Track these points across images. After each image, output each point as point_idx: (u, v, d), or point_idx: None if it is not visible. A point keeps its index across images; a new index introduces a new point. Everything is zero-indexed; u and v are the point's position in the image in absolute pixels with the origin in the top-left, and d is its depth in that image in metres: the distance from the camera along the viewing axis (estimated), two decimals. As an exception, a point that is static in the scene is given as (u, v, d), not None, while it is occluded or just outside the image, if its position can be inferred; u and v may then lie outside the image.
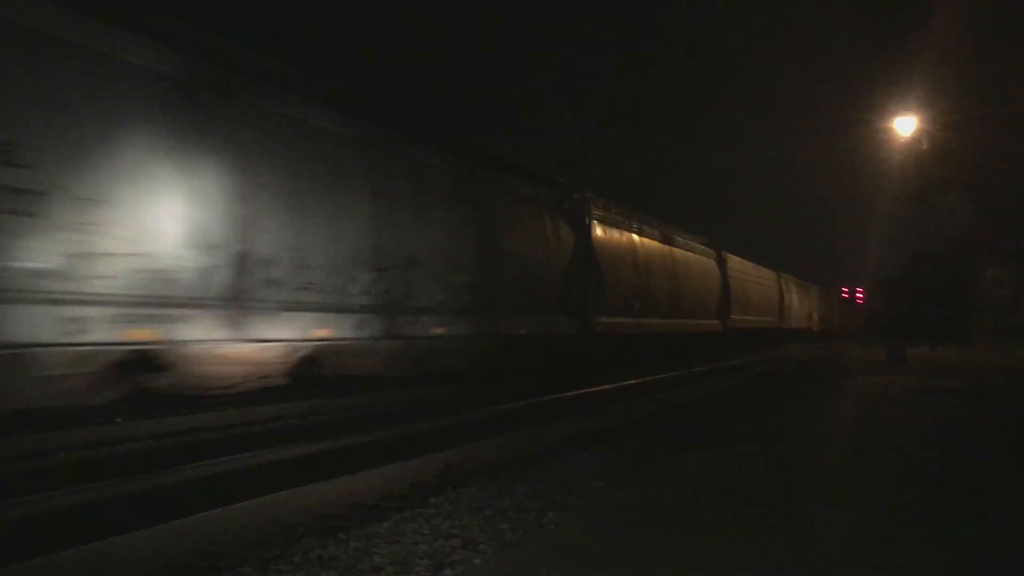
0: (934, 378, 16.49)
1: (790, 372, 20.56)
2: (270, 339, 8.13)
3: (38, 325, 6.04)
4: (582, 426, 9.51)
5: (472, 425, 9.13)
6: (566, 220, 15.34)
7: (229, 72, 7.89)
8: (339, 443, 7.18)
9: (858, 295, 67.48)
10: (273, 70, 8.69)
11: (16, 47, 5.87)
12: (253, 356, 8.07)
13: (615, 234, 17.74)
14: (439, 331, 10.78)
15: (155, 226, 6.94)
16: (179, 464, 6.12)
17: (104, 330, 6.50)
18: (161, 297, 6.97)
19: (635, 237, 19.10)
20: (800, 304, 43.90)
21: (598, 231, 16.62)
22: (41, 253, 6.01)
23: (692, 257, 23.86)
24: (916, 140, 19.79)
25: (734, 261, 28.52)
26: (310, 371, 8.91)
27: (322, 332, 8.76)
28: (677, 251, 22.34)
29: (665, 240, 21.51)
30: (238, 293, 7.73)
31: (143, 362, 7.01)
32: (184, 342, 7.22)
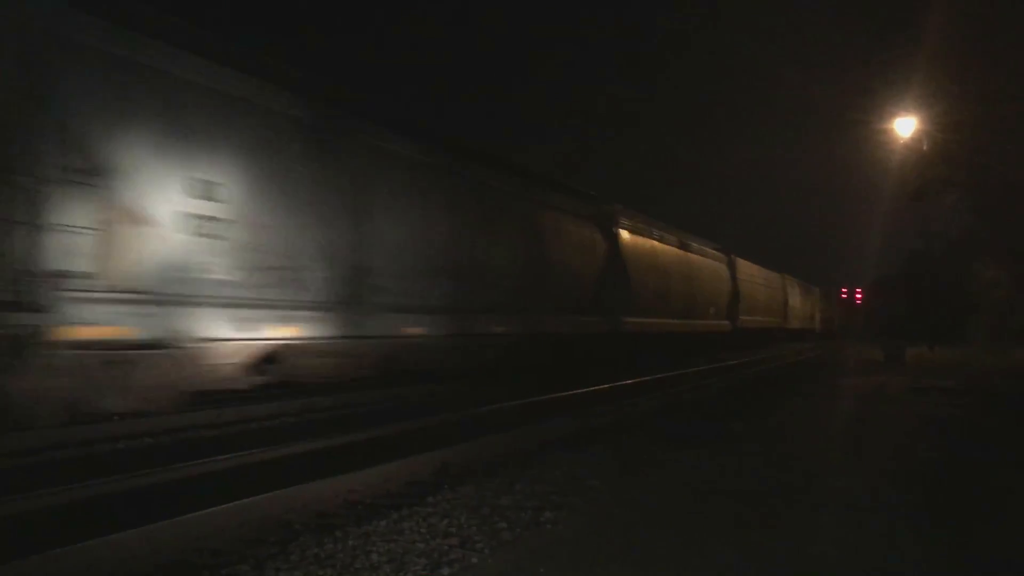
0: (932, 378, 16.53)
1: (791, 371, 21.13)
2: (373, 335, 9.73)
3: (218, 324, 7.64)
4: (584, 422, 9.48)
5: (471, 421, 9.06)
6: (599, 229, 16.96)
7: (348, 116, 9.51)
8: (335, 441, 7.21)
9: (857, 295, 68.75)
10: (379, 112, 10.31)
11: (216, 108, 7.49)
12: (357, 350, 9.67)
13: (639, 241, 19.35)
14: (500, 330, 12.39)
15: (297, 245, 8.55)
16: (176, 462, 6.23)
17: (263, 328, 8.11)
18: (300, 301, 8.58)
19: (656, 244, 20.72)
20: (803, 305, 45.58)
21: (625, 239, 18.23)
22: (226, 268, 7.62)
23: (705, 262, 25.48)
24: (915, 141, 19.96)
25: (743, 265, 30.14)
26: (398, 364, 10.52)
27: (413, 330, 10.37)
28: (692, 256, 23.96)
29: (682, 246, 23.13)
30: (354, 298, 9.34)
31: (284, 354, 8.61)
32: (313, 338, 8.83)
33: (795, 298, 42.60)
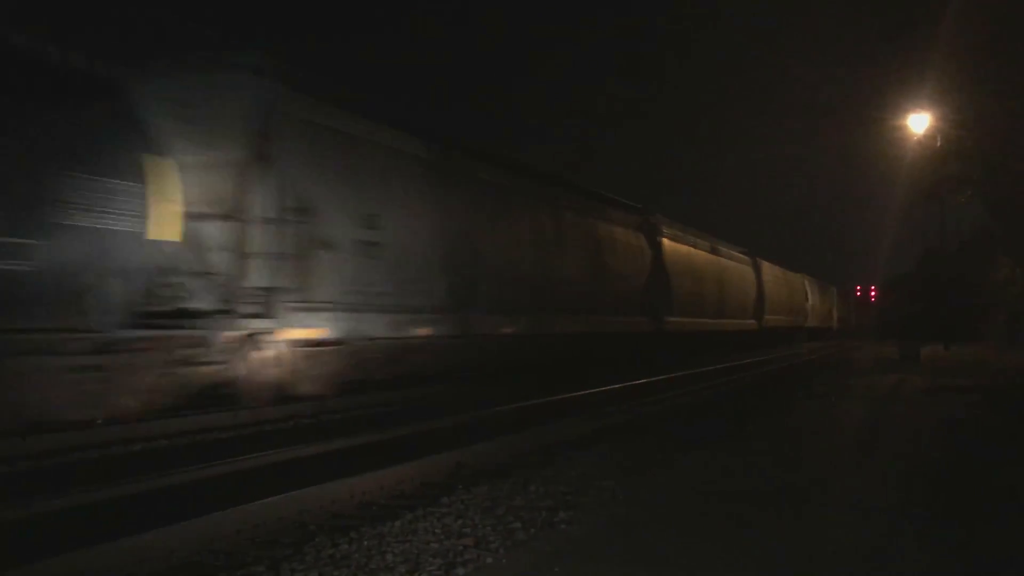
0: (947, 377, 16.59)
1: (811, 369, 22.06)
2: (479, 333, 11.78)
3: (376, 326, 9.69)
4: (611, 419, 10.02)
5: (485, 421, 9.40)
6: (645, 237, 18.97)
7: (460, 155, 11.59)
8: (351, 442, 7.41)
9: (871, 294, 70.09)
10: (477, 149, 12.39)
11: (378, 156, 9.58)
12: (467, 345, 11.71)
13: (678, 247, 21.34)
14: (571, 329, 14.44)
15: (428, 260, 10.60)
16: (191, 464, 6.38)
17: (405, 328, 10.16)
18: (427, 306, 10.63)
19: (691, 249, 22.70)
20: (822, 304, 47.39)
21: (666, 246, 20.23)
22: (383, 281, 9.68)
23: (734, 265, 27.44)
24: (930, 137, 20.16)
25: (766, 267, 32.06)
26: (490, 359, 12.55)
27: (506, 329, 12.43)
28: (722, 260, 25.94)
29: (712, 251, 25.10)
30: (466, 303, 11.38)
31: (416, 349, 10.66)
32: (438, 336, 10.87)
33: (814, 297, 44.39)
